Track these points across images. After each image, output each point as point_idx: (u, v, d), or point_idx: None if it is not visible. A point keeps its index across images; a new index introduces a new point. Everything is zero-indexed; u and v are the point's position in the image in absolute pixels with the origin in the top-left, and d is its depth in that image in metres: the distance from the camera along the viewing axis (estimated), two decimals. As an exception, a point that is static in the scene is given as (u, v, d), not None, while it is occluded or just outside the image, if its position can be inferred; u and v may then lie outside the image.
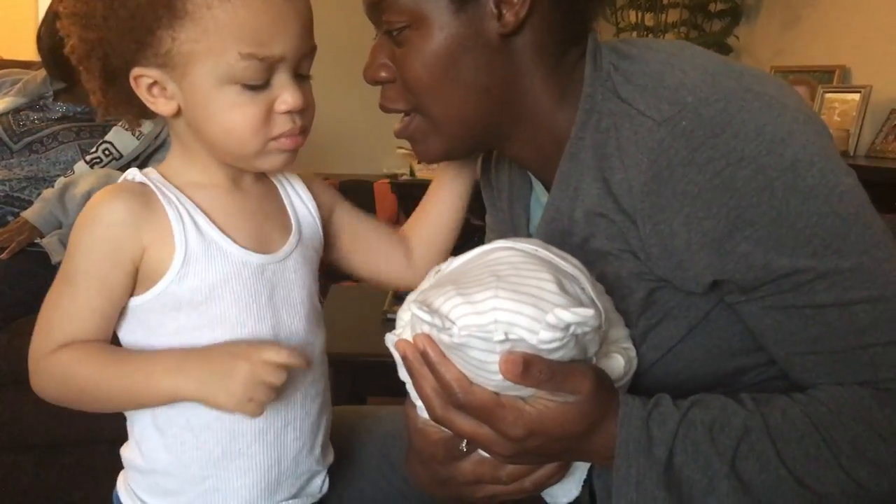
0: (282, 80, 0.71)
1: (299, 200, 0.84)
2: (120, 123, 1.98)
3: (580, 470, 0.77)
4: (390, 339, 0.71)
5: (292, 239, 0.80)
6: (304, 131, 0.75)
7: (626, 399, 0.70)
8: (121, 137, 1.98)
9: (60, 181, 1.88)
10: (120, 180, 0.77)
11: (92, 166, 1.95)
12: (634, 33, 3.15)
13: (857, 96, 2.64)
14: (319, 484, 0.84)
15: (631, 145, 0.72)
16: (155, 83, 0.72)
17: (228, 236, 0.75)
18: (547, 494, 0.78)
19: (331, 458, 0.87)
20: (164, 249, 0.72)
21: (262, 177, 0.82)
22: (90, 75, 0.73)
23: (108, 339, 0.74)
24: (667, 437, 0.69)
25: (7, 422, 1.49)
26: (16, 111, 1.98)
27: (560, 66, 0.79)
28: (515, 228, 0.93)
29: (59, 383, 0.73)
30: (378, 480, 0.95)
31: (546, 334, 0.60)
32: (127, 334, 0.75)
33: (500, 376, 0.63)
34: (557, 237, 0.80)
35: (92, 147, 1.97)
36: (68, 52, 0.73)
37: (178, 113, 0.73)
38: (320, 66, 0.77)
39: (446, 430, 0.71)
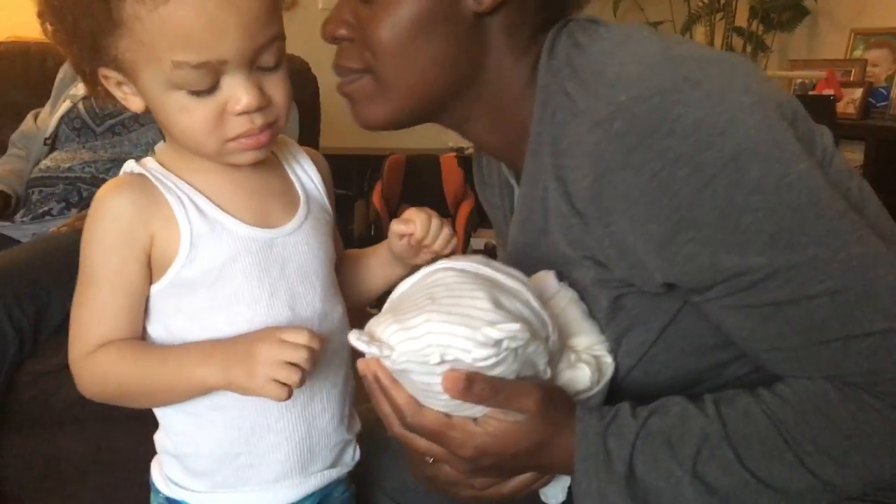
0: (232, 81, 0.69)
1: (305, 175, 0.84)
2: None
3: (566, 477, 0.77)
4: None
5: (300, 212, 0.80)
6: (269, 126, 0.72)
7: (582, 414, 0.70)
8: None
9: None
10: (121, 174, 0.77)
11: None
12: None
13: (943, 60, 2.47)
14: (352, 453, 0.86)
15: (575, 146, 0.70)
16: (121, 82, 0.72)
17: (231, 215, 0.75)
18: (542, 493, 0.79)
19: (358, 427, 0.87)
20: (171, 236, 0.73)
21: None
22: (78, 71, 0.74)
23: (140, 334, 0.76)
24: (624, 451, 0.69)
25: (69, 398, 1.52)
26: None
27: (529, 52, 0.77)
28: (503, 226, 0.91)
29: (99, 383, 0.75)
30: None
31: (479, 352, 0.61)
32: (150, 324, 0.76)
33: (447, 396, 0.64)
34: (533, 238, 0.78)
35: None
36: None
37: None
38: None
39: None
